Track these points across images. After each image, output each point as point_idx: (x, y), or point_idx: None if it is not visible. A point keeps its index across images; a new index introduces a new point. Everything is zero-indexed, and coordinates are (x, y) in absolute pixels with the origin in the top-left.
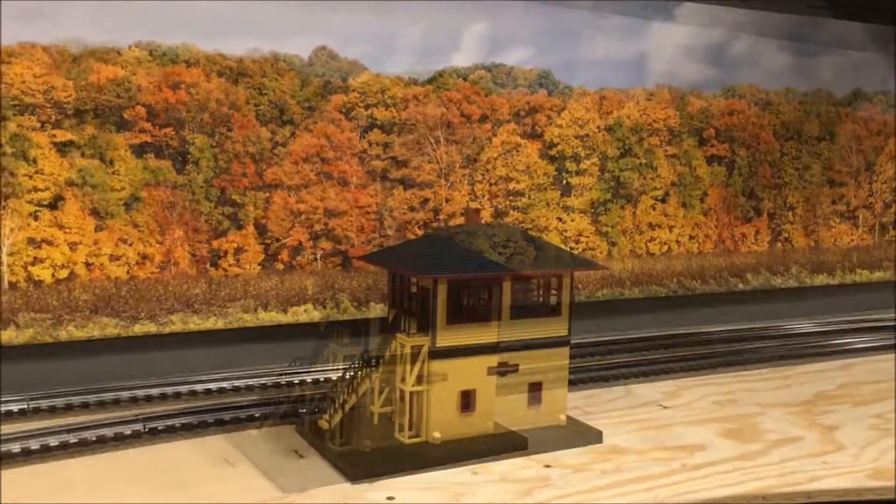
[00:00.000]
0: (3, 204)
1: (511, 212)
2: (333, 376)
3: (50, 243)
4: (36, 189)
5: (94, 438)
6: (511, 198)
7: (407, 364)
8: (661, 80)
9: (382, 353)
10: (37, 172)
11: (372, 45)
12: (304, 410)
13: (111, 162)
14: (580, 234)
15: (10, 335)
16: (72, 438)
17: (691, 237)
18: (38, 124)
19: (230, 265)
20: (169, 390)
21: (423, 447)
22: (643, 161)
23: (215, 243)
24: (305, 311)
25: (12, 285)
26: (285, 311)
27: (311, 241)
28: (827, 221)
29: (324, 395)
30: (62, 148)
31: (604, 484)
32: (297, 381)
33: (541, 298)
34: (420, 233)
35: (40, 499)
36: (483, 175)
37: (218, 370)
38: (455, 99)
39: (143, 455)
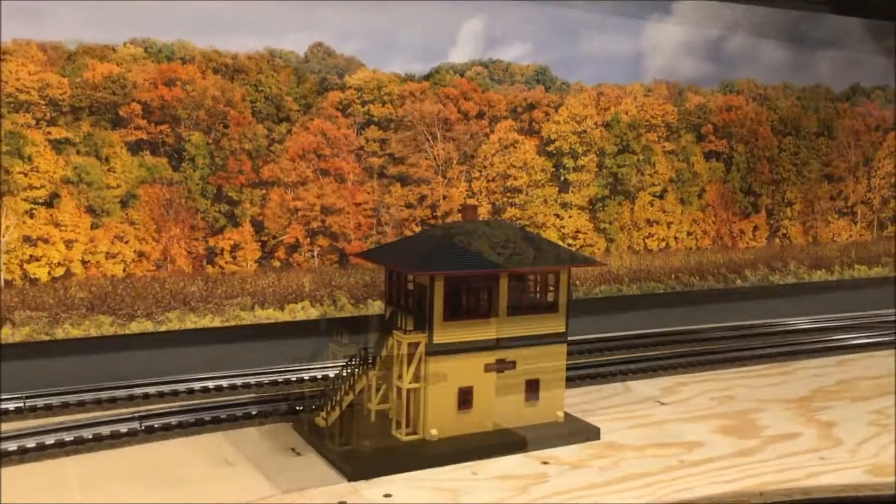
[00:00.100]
0: None
1: (508, 208)
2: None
3: (46, 241)
4: (31, 187)
5: (90, 437)
6: (508, 194)
7: (404, 361)
8: (658, 76)
9: (379, 350)
10: (32, 170)
11: (368, 41)
12: (301, 408)
13: (107, 159)
14: (578, 231)
15: (6, 333)
16: (68, 437)
17: (689, 233)
18: (33, 122)
19: (227, 263)
20: (165, 388)
21: (420, 445)
22: (641, 157)
23: (212, 241)
24: (302, 308)
25: (8, 283)
26: (282, 309)
27: (308, 239)
28: (825, 217)
29: (322, 392)
30: (57, 145)
31: (601, 480)
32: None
33: (538, 295)
34: (417, 230)
35: (37, 497)
36: (480, 172)
37: (214, 368)
38: (452, 95)
39: (140, 453)
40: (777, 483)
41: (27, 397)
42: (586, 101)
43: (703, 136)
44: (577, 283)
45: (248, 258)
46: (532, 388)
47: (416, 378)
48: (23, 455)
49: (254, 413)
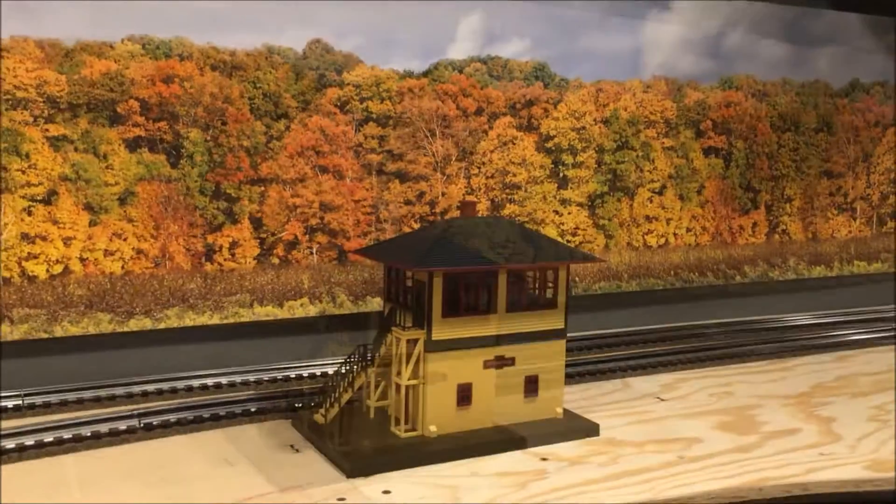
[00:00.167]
0: None
1: (508, 205)
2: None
3: (44, 238)
4: (29, 184)
5: (89, 434)
6: (507, 191)
7: (403, 358)
8: (657, 73)
9: (378, 346)
10: (30, 167)
11: (367, 38)
12: (300, 405)
13: (105, 156)
14: (577, 227)
15: (4, 331)
16: (67, 434)
17: (688, 229)
18: (31, 119)
19: (225, 260)
20: (164, 385)
21: (419, 441)
22: (640, 153)
23: (210, 238)
24: (301, 305)
25: (6, 281)
26: (281, 306)
27: (307, 236)
28: (824, 213)
29: (321, 389)
30: (55, 142)
31: (600, 476)
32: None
33: (537, 291)
34: (416, 226)
35: (36, 495)
36: (479, 168)
37: (213, 365)
38: (451, 92)
39: (139, 451)
40: (776, 479)
41: (26, 395)
42: (585, 97)
43: (702, 133)
44: (577, 279)
45: (247, 255)
46: (531, 384)
47: (415, 375)
48: (21, 453)
49: (253, 410)
